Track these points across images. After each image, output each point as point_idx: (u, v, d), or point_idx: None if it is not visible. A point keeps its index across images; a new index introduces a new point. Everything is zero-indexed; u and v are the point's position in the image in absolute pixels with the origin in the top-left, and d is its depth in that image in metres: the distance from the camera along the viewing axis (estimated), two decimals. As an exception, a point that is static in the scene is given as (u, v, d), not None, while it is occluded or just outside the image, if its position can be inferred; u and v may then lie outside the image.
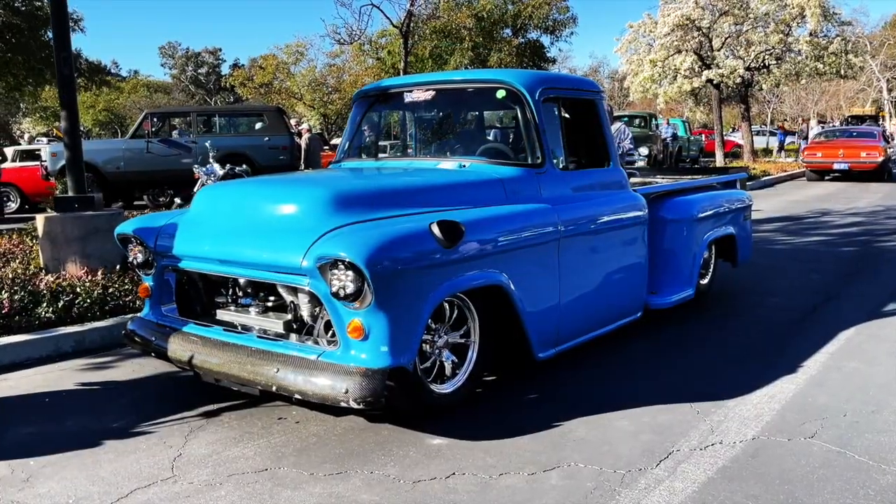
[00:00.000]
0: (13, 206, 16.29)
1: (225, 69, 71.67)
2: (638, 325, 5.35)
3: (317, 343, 3.74)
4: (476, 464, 3.31)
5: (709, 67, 20.41)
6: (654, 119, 22.37)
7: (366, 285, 3.29)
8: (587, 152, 5.10)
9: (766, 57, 21.77)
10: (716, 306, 6.29)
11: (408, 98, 4.94)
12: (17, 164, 17.93)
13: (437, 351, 3.86)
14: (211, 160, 11.41)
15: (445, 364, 3.90)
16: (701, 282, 6.32)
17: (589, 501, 2.98)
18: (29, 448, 3.56)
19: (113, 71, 72.16)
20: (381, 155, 5.12)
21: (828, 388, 4.20)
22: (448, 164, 4.58)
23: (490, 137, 4.85)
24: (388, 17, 21.74)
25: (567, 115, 5.04)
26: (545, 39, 31.51)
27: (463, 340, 3.99)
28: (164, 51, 76.10)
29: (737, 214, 6.48)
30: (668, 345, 5.20)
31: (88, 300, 5.58)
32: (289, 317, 3.88)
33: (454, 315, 3.91)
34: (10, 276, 5.81)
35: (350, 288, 3.31)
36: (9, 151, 21.06)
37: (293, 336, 3.85)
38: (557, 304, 4.38)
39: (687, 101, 26.35)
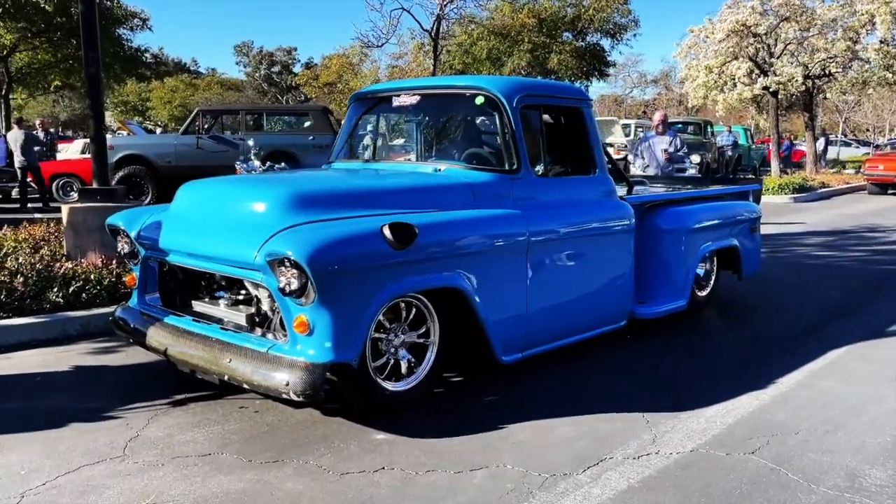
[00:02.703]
0: (75, 195, 17.10)
1: (298, 68, 73.36)
2: (628, 332, 5.36)
3: (275, 337, 3.90)
4: (408, 460, 3.41)
5: (765, 74, 19.86)
6: (709, 127, 21.88)
7: (309, 283, 3.43)
8: (572, 160, 5.13)
9: (831, 65, 21.04)
10: (717, 319, 6.21)
11: (395, 102, 5.07)
12: (86, 155, 18.84)
13: (392, 349, 3.97)
14: (252, 157, 11.79)
15: (401, 363, 4.01)
16: (700, 293, 6.26)
17: (503, 501, 3.04)
18: (5, 422, 3.82)
19: (192, 68, 74.81)
20: (370, 157, 5.26)
21: (792, 405, 4.13)
22: (426, 167, 4.68)
23: (472, 143, 4.92)
24: (418, 21, 21.97)
25: (551, 123, 5.09)
26: (606, 43, 31.25)
27: (422, 340, 4.09)
28: (239, 49, 78.24)
29: (742, 226, 6.38)
30: (652, 354, 5.17)
31: (98, 287, 5.90)
32: (252, 310, 4.05)
33: (411, 315, 4.01)
34: (32, 262, 6.15)
35: (294, 284, 3.46)
36: (78, 143, 22.16)
37: (258, 330, 4.01)
38: (525, 309, 4.43)
39: (749, 109, 25.68)
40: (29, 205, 15.05)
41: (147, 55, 22.34)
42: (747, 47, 19.55)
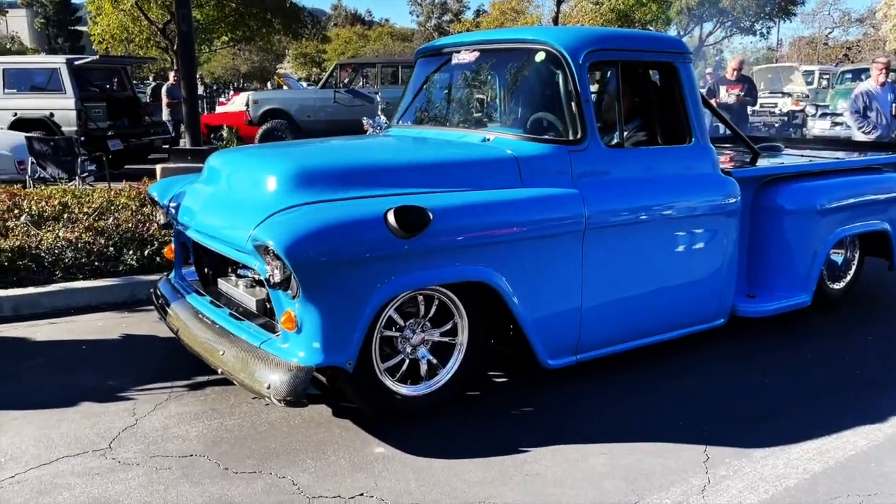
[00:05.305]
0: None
1: (468, 15, 72.75)
2: (719, 330, 4.50)
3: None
4: (396, 487, 2.94)
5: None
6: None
7: (292, 276, 3.00)
8: (662, 127, 4.31)
9: None
10: (837, 316, 5.13)
11: (455, 60, 4.48)
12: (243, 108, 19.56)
13: (408, 348, 3.48)
14: (379, 112, 11.56)
15: (420, 363, 3.52)
16: (833, 286, 5.22)
17: (479, 559, 2.51)
18: (18, 399, 3.74)
19: (366, 19, 76.68)
20: (427, 122, 4.69)
21: (910, 450, 3.22)
22: (475, 137, 4.07)
23: (532, 108, 4.21)
24: None
25: (634, 82, 4.30)
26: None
27: (447, 339, 3.56)
28: (413, -2, 78.74)
29: (893, 205, 5.21)
30: (738, 361, 4.32)
31: (174, 251, 5.83)
32: (263, 295, 3.70)
33: (433, 310, 3.49)
34: (120, 222, 6.17)
35: (278, 276, 3.05)
36: (243, 96, 23.11)
37: (269, 320, 3.65)
38: (579, 306, 3.77)
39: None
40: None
41: (304, 15, 22.73)
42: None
